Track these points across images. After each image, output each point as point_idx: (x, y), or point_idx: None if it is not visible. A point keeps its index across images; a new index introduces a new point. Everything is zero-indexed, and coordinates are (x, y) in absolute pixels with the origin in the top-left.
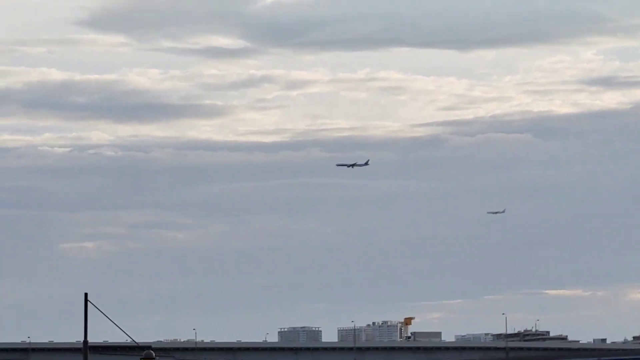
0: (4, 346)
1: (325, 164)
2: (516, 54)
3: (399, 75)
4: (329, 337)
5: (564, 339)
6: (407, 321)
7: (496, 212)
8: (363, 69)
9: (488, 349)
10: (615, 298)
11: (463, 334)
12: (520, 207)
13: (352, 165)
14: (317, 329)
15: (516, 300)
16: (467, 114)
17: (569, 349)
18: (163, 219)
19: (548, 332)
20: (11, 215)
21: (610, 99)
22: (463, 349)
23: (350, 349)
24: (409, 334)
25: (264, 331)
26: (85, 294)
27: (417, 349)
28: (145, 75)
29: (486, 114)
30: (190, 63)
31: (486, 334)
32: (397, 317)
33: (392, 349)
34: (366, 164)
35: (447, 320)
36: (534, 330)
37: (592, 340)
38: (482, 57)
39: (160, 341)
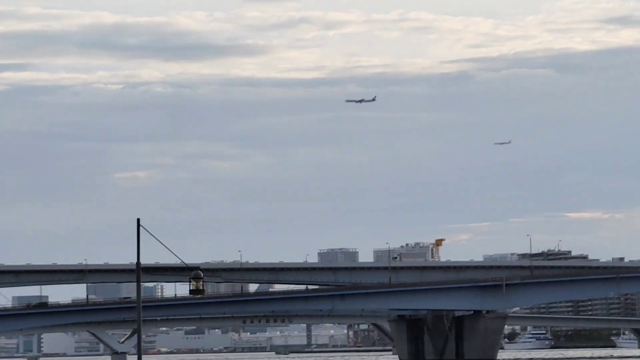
0: (62, 267)
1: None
2: None
3: (429, 15)
4: (366, 257)
5: (584, 257)
6: (438, 242)
7: (502, 143)
8: (395, 9)
9: (514, 267)
10: (633, 220)
11: (490, 254)
12: (543, 136)
13: (360, 101)
14: (354, 250)
15: (539, 222)
16: (493, 52)
17: (590, 267)
18: (210, 151)
19: (570, 252)
20: (69, 148)
21: (627, 37)
22: (490, 267)
23: (385, 268)
24: (396, 255)
25: (304, 252)
26: (138, 219)
27: (448, 268)
28: (192, 17)
29: (510, 51)
30: (233, 5)
31: (512, 254)
32: (428, 239)
33: (424, 268)
34: (373, 99)
35: (475, 241)
36: (556, 250)
37: (610, 259)
38: None
39: (208, 262)
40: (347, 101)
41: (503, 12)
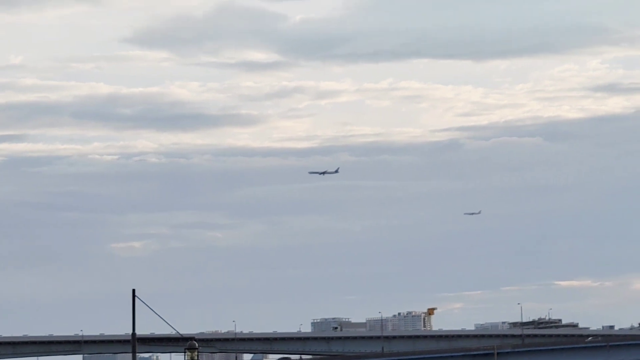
0: (58, 339)
1: (353, 167)
2: (527, 63)
3: (419, 84)
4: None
5: (575, 326)
6: (430, 311)
7: (472, 213)
8: (386, 79)
9: (505, 336)
10: (622, 287)
11: (482, 323)
12: (532, 205)
13: (323, 173)
14: (347, 319)
15: (530, 290)
16: (482, 120)
17: (580, 335)
18: (204, 220)
19: (560, 320)
20: (64, 218)
21: (615, 104)
22: (482, 336)
23: (378, 337)
24: (337, 325)
25: (298, 322)
26: (133, 290)
27: (440, 337)
28: (186, 87)
29: (500, 119)
30: (227, 76)
31: (503, 322)
32: (421, 308)
33: (417, 337)
34: (336, 171)
35: (468, 310)
36: (547, 318)
37: (601, 327)
38: (496, 67)
39: (203, 332)
40: (310, 173)
41: (492, 80)
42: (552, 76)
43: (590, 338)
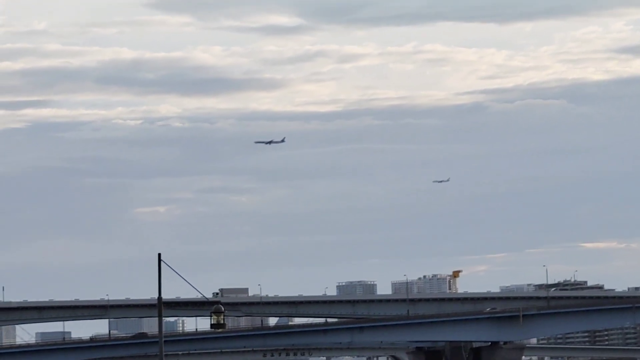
0: (84, 303)
1: (377, 131)
2: (551, 25)
3: (443, 47)
4: (384, 289)
5: (600, 288)
6: (456, 274)
7: (441, 181)
8: (410, 42)
9: (531, 298)
10: None
11: (507, 285)
12: (557, 166)
13: (269, 142)
14: (372, 282)
15: (556, 252)
16: (507, 83)
17: (606, 297)
18: (228, 184)
19: (585, 282)
20: (89, 183)
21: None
22: (507, 298)
23: (404, 300)
24: (217, 290)
25: (323, 285)
26: (159, 254)
27: (465, 299)
28: (209, 52)
29: (524, 82)
30: (250, 40)
31: (528, 285)
32: (446, 271)
33: (442, 300)
34: (282, 141)
35: (492, 272)
36: (572, 280)
37: (626, 289)
38: (520, 29)
39: (228, 296)
40: (256, 142)
41: (517, 43)
42: (577, 38)
43: (488, 309)
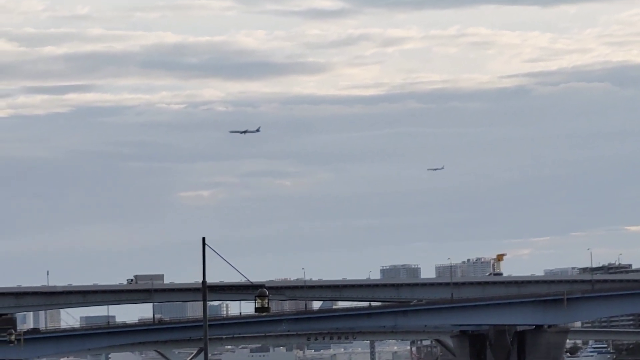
0: (129, 287)
1: (421, 114)
2: (596, 8)
3: (487, 30)
4: (427, 273)
5: None
6: (499, 257)
7: (435, 169)
8: (453, 25)
9: (575, 281)
10: None
11: (551, 268)
12: (600, 150)
13: (244, 132)
14: (416, 266)
15: (599, 236)
16: (551, 65)
17: None
18: (272, 168)
19: (630, 265)
20: (133, 168)
21: None
22: (552, 282)
23: (447, 284)
24: (132, 277)
25: (367, 269)
26: (203, 238)
27: (509, 282)
28: (252, 36)
29: (568, 64)
30: (293, 24)
31: (573, 268)
32: (489, 254)
33: (486, 283)
34: (257, 130)
35: (536, 256)
36: (617, 263)
37: None
38: (564, 12)
39: (272, 280)
40: (231, 132)
41: (560, 26)
42: (621, 20)
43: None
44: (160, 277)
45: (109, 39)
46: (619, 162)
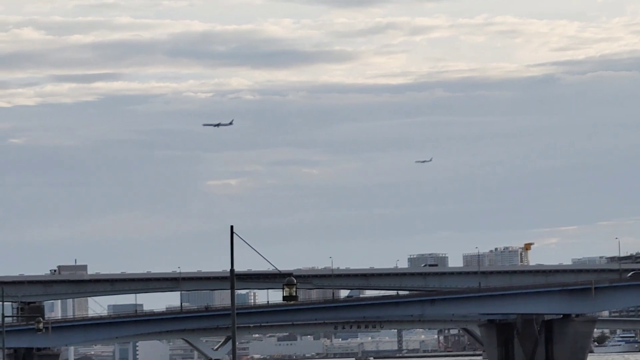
0: (157, 276)
1: (448, 103)
2: None
3: (514, 19)
4: (455, 262)
5: None
6: (527, 246)
7: (423, 161)
8: (481, 14)
9: (602, 270)
10: None
11: (579, 257)
12: (628, 139)
13: (218, 125)
14: (443, 254)
15: (627, 225)
16: (579, 54)
17: None
18: (299, 157)
19: None
20: (160, 156)
21: None
22: (579, 271)
23: (475, 273)
24: (55, 268)
25: (394, 258)
26: (231, 227)
27: (537, 272)
28: (279, 24)
29: (596, 53)
30: (320, 12)
31: (600, 257)
32: (517, 243)
33: (514, 272)
34: (230, 123)
35: (564, 244)
36: None
37: None
38: (592, 1)
39: (300, 269)
40: (205, 125)
41: (588, 14)
42: None
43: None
44: (84, 267)
45: (136, 27)
46: None
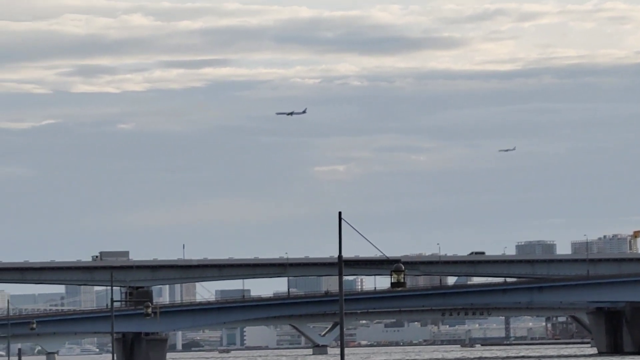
0: (264, 261)
1: (557, 89)
2: None
3: (624, 5)
4: (563, 249)
5: None
6: (636, 234)
7: (507, 150)
8: (590, 0)
9: None
10: None
11: None
12: None
13: (291, 114)
14: (551, 242)
15: None
16: None
17: None
18: (406, 143)
19: None
20: (268, 142)
21: None
22: None
23: (583, 260)
24: (97, 254)
25: (502, 245)
26: (339, 213)
27: None
28: (387, 10)
29: None
30: None
31: None
32: (626, 231)
33: (622, 260)
34: (304, 112)
35: None
36: None
37: None
38: None
39: (407, 255)
40: (278, 114)
41: None
42: None
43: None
44: (126, 254)
45: (244, 13)
46: None
